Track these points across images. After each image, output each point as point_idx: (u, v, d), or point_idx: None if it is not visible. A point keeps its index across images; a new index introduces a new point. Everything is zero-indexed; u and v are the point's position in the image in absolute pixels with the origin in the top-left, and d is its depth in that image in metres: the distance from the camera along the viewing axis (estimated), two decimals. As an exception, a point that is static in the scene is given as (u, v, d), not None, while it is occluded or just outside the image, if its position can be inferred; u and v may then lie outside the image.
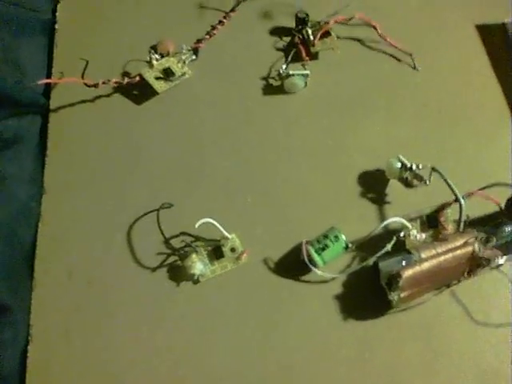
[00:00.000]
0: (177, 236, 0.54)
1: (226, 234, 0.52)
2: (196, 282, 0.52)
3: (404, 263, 0.49)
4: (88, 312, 0.52)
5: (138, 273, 0.53)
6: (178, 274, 0.53)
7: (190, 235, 0.54)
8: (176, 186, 0.56)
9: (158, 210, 0.54)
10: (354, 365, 0.50)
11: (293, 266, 0.53)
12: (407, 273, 0.48)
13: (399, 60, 0.63)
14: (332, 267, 0.52)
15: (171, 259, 0.53)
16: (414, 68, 0.63)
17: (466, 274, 0.50)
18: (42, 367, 0.50)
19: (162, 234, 0.53)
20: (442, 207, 0.53)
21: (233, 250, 0.53)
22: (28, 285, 0.52)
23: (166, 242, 0.53)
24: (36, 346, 0.50)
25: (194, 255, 0.52)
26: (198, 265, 0.52)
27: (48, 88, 0.61)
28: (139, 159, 0.58)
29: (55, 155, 0.58)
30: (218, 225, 0.51)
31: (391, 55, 0.63)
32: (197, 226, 0.49)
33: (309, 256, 0.51)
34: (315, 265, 0.51)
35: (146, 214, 0.55)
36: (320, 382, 0.50)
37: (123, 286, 0.53)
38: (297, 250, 0.53)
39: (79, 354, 0.50)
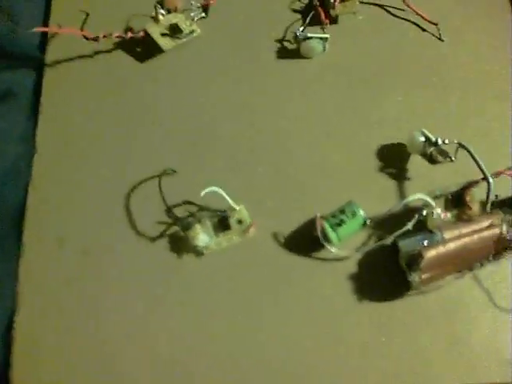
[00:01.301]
0: (180, 205, 0.50)
1: (234, 204, 0.48)
2: (199, 254, 0.48)
3: (426, 243, 0.46)
4: (81, 283, 0.47)
5: (137, 242, 0.49)
6: (181, 245, 0.49)
7: (194, 204, 0.49)
8: (180, 152, 0.52)
9: (160, 175, 0.49)
10: (369, 349, 0.46)
11: (305, 241, 0.49)
12: (430, 253, 0.44)
13: (424, 29, 0.59)
14: (347, 245, 0.48)
15: (173, 229, 0.49)
16: (440, 39, 0.58)
17: (491, 257, 0.47)
18: (29, 342, 0.46)
19: (164, 201, 0.49)
20: (468, 186, 0.49)
21: (240, 222, 0.49)
22: (15, 251, 0.48)
23: (169, 210, 0.49)
24: (23, 318, 0.46)
25: (197, 226, 0.48)
26: (202, 236, 0.47)
27: (44, 41, 0.56)
28: (141, 121, 0.53)
29: (49, 113, 0.53)
30: (224, 194, 0.46)
31: (416, 24, 0.59)
32: (202, 194, 0.45)
33: (323, 232, 0.47)
34: (329, 242, 0.46)
35: (147, 180, 0.50)
36: (332, 366, 0.46)
37: (120, 256, 0.48)
38: (309, 225, 0.49)
39: (70, 328, 0.46)
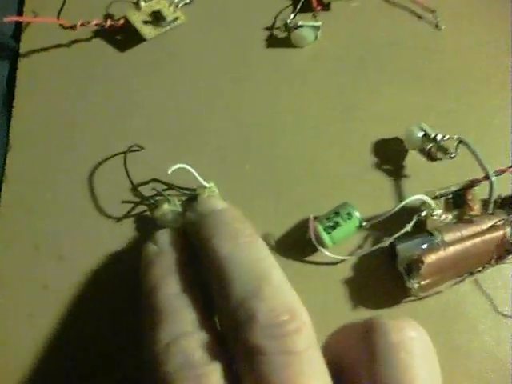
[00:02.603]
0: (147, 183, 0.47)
1: (204, 182, 0.45)
2: None
3: (425, 246, 0.43)
4: (56, 289, 0.44)
5: (103, 224, 0.47)
6: (148, 226, 0.46)
7: (161, 182, 0.46)
8: (161, 148, 0.49)
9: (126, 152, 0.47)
10: (364, 361, 0.44)
11: (296, 244, 0.46)
12: (430, 258, 0.42)
13: (420, 17, 0.56)
14: (341, 248, 0.45)
15: (139, 209, 0.47)
16: (437, 27, 0.55)
17: (493, 260, 0.44)
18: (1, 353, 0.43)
19: (130, 180, 0.46)
20: (470, 184, 0.46)
21: None
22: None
23: (135, 189, 0.46)
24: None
25: (165, 205, 0.45)
26: (171, 215, 0.44)
27: (18, 29, 0.53)
28: (119, 113, 0.50)
29: (24, 106, 0.50)
30: (194, 172, 0.44)
31: (412, 11, 0.56)
32: (170, 171, 0.42)
33: (316, 234, 0.44)
34: (323, 245, 0.44)
35: (113, 156, 0.48)
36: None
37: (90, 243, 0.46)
38: (301, 227, 0.46)
39: (44, 338, 0.43)
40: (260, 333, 0.27)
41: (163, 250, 0.36)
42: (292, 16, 0.53)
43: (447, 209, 0.46)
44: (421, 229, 0.45)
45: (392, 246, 0.44)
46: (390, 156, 0.49)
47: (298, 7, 0.53)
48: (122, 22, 0.51)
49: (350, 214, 0.44)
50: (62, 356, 0.43)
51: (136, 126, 0.50)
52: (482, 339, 0.45)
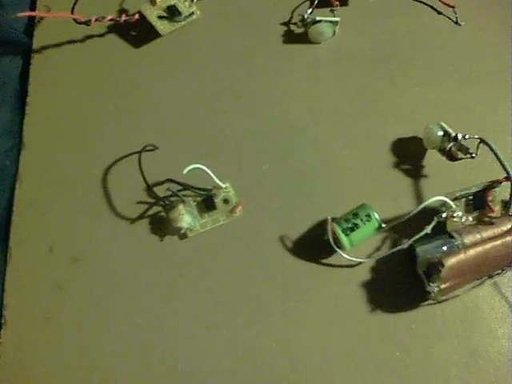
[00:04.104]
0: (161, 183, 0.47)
1: (219, 182, 0.45)
2: (183, 236, 0.46)
3: (445, 249, 0.42)
4: (71, 291, 0.44)
5: (118, 226, 0.47)
6: (162, 227, 0.46)
7: (176, 183, 0.46)
8: (176, 147, 0.48)
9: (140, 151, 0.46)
10: (382, 364, 0.43)
11: (313, 246, 0.46)
12: (450, 261, 0.41)
13: (440, 13, 0.54)
14: (359, 250, 0.45)
15: (154, 210, 0.47)
16: (457, 23, 0.54)
17: (513, 263, 0.44)
18: (15, 355, 0.43)
19: (146, 183, 0.45)
20: (490, 185, 0.45)
21: (226, 201, 0.46)
22: (1, 258, 0.44)
23: (149, 190, 0.46)
24: (9, 331, 0.43)
25: (180, 206, 0.44)
26: (186, 217, 0.44)
27: (31, 25, 0.52)
28: (134, 111, 0.50)
29: (37, 103, 0.49)
30: (210, 172, 0.43)
31: (431, 6, 0.55)
32: (185, 172, 0.42)
33: (334, 236, 0.43)
34: (341, 247, 0.43)
35: (128, 156, 0.47)
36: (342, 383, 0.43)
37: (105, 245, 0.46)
38: (319, 229, 0.46)
39: (59, 341, 0.43)
40: None
41: None
42: (309, 11, 0.52)
43: (467, 210, 0.45)
44: (440, 230, 0.44)
45: (411, 248, 0.44)
46: (408, 155, 0.48)
47: (316, 2, 0.52)
48: (136, 17, 0.50)
49: (369, 216, 0.43)
50: (77, 358, 0.43)
51: (150, 125, 0.49)
52: (500, 343, 0.44)
